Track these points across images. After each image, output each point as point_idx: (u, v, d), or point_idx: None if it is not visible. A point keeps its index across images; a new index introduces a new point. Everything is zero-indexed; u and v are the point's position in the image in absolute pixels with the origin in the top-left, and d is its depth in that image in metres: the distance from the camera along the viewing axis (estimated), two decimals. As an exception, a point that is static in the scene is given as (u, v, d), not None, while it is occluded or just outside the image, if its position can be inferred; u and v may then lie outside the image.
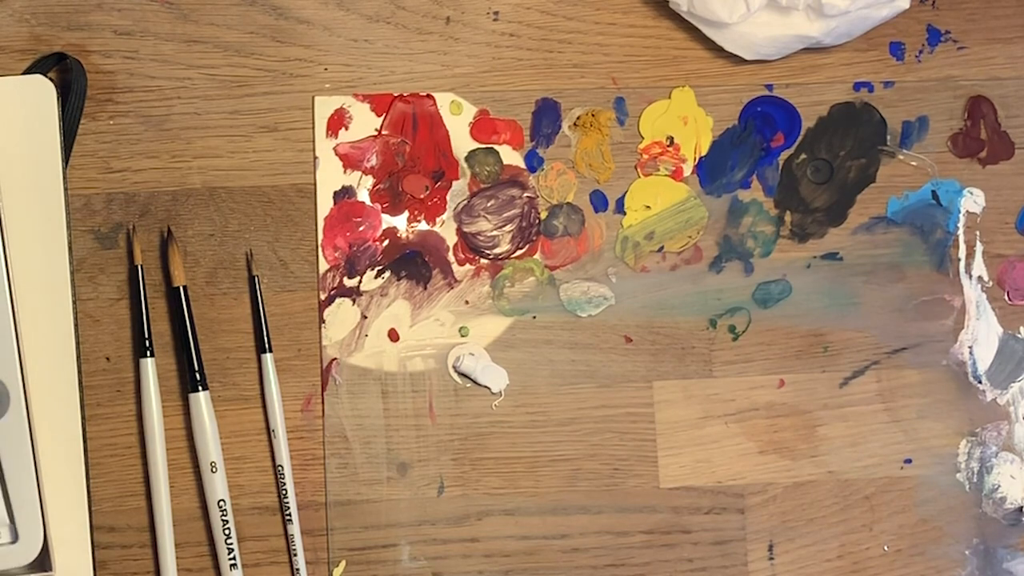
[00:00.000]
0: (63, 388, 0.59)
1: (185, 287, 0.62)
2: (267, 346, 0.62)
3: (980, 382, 0.65)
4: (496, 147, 0.64)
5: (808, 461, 0.64)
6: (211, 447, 0.61)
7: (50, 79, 0.60)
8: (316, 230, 0.63)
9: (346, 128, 0.64)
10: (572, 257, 0.64)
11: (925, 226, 0.65)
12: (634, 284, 0.64)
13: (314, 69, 0.64)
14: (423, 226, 0.64)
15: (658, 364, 0.64)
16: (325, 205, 0.63)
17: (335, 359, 0.63)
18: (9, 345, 0.57)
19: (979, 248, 0.66)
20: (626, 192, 0.65)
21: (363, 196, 0.64)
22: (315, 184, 0.63)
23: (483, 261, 0.64)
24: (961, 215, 0.65)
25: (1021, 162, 0.66)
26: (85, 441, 0.59)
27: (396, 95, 0.64)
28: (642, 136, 0.65)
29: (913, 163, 0.66)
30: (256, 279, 0.63)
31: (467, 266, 0.64)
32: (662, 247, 0.65)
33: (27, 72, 0.61)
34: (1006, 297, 0.66)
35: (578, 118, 0.65)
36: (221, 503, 0.61)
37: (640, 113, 0.65)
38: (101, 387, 0.62)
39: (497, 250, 0.64)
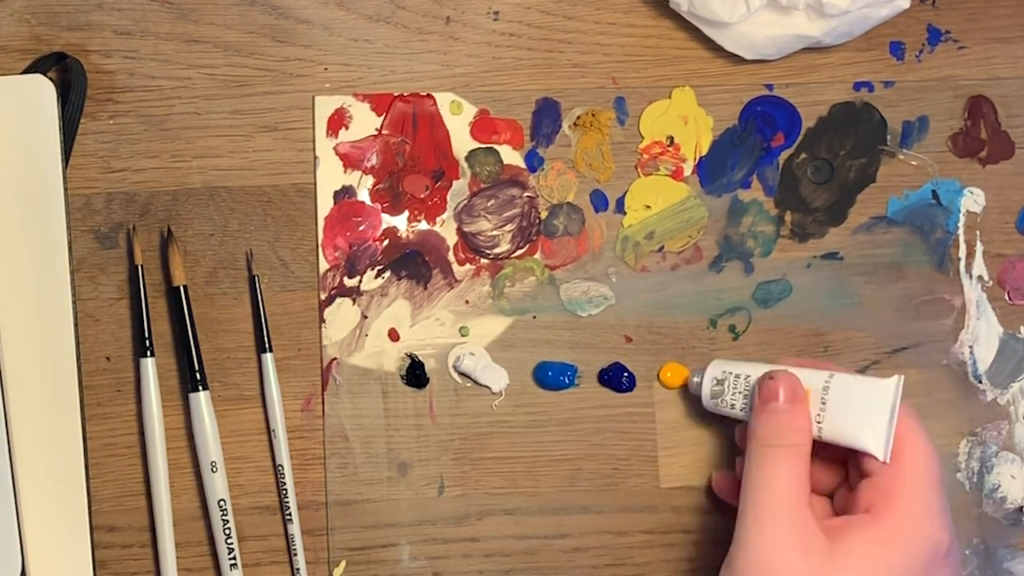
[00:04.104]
0: (63, 388, 0.59)
1: (185, 287, 0.62)
2: (267, 346, 0.62)
3: (980, 382, 0.65)
4: (496, 147, 0.64)
5: (808, 461, 0.64)
6: (211, 447, 0.61)
7: (50, 79, 0.60)
8: (316, 230, 0.63)
9: (346, 128, 0.64)
10: (572, 257, 0.64)
11: (925, 226, 0.65)
12: (634, 284, 0.64)
13: (314, 69, 0.64)
14: (423, 226, 0.64)
15: (658, 364, 0.64)
16: (325, 205, 0.63)
17: (335, 359, 0.63)
18: None
19: (979, 248, 0.66)
20: (626, 192, 0.65)
21: (363, 196, 0.64)
22: (315, 184, 0.63)
23: (483, 261, 0.64)
24: (961, 215, 0.65)
25: (1021, 162, 0.66)
26: (85, 441, 0.59)
27: (396, 95, 0.64)
28: (642, 136, 0.65)
29: (913, 163, 0.66)
30: (256, 279, 0.63)
31: (467, 266, 0.64)
32: (662, 247, 0.65)
33: (27, 72, 0.61)
34: (1006, 297, 0.66)
35: (578, 118, 0.65)
36: (221, 503, 0.61)
37: (640, 113, 0.65)
38: (101, 387, 0.62)
39: (497, 250, 0.64)
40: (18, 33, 0.63)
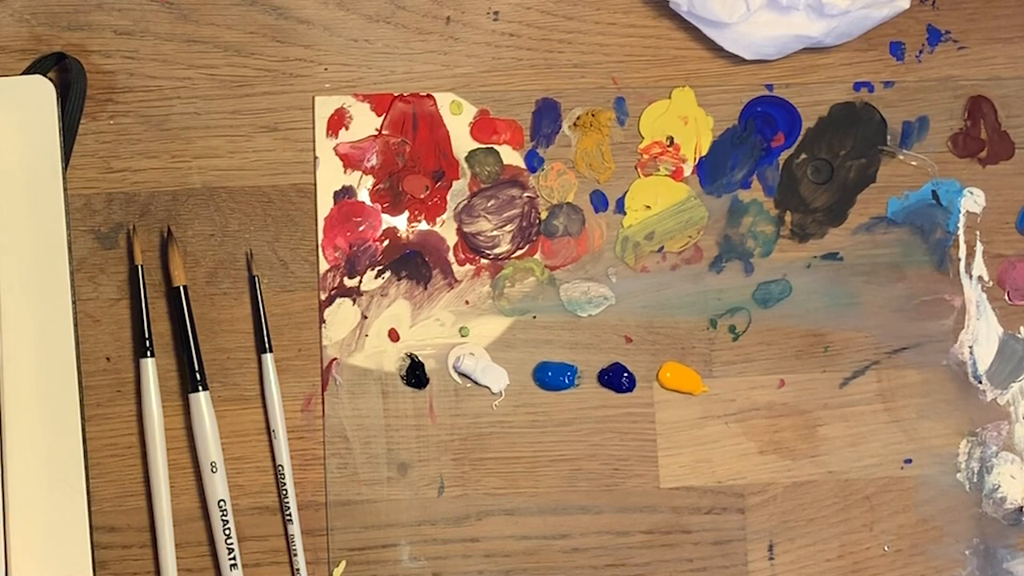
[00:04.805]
0: (63, 388, 0.59)
1: (185, 287, 0.62)
2: (267, 346, 0.62)
3: (980, 382, 0.65)
4: (496, 147, 0.64)
5: (808, 461, 0.64)
6: (211, 447, 0.61)
7: (50, 79, 0.60)
8: (316, 230, 0.63)
9: (346, 128, 0.64)
10: (572, 257, 0.64)
11: (925, 226, 0.65)
12: (634, 284, 0.64)
13: (314, 69, 0.64)
14: (423, 226, 0.64)
15: (658, 364, 0.64)
16: (325, 205, 0.63)
17: (335, 359, 0.63)
18: None
19: (979, 248, 0.66)
20: (626, 192, 0.65)
21: (363, 196, 0.64)
22: (315, 184, 0.63)
23: (483, 261, 0.64)
24: (961, 215, 0.65)
25: (1021, 162, 0.66)
26: (85, 441, 0.59)
27: (396, 95, 0.64)
28: (642, 136, 0.65)
29: (913, 163, 0.66)
30: (256, 279, 0.63)
31: (467, 266, 0.64)
32: (662, 247, 0.65)
33: (27, 72, 0.61)
34: (1006, 297, 0.66)
35: (578, 118, 0.65)
36: (221, 503, 0.61)
37: (640, 113, 0.65)
38: (101, 387, 0.62)
39: (497, 250, 0.64)
40: (18, 33, 0.63)
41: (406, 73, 0.64)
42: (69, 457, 0.59)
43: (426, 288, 0.64)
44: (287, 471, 0.62)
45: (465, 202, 0.64)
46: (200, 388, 0.61)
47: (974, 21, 0.66)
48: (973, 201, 0.66)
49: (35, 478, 0.58)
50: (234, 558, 0.61)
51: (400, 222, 0.64)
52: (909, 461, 0.65)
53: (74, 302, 0.59)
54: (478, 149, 0.64)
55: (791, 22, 0.63)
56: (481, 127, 0.64)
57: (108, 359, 0.62)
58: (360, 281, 0.63)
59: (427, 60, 0.64)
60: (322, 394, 0.63)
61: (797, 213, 0.65)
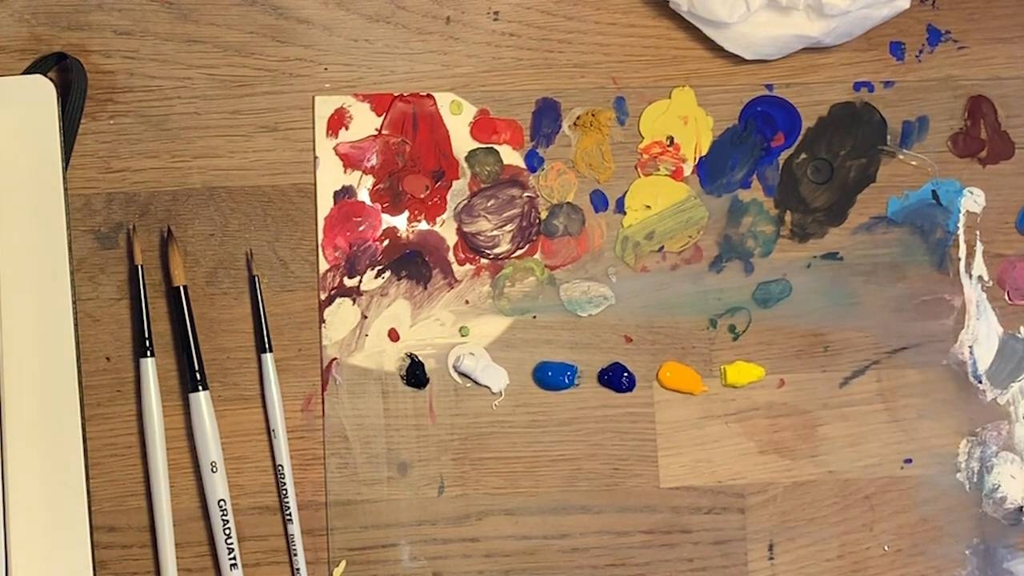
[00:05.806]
0: (63, 388, 0.59)
1: (185, 287, 0.62)
2: (267, 346, 0.62)
3: (980, 382, 0.65)
4: (496, 147, 0.64)
5: (808, 461, 0.64)
6: (211, 447, 0.61)
7: (50, 79, 0.60)
8: (316, 230, 0.63)
9: (346, 128, 0.64)
10: (572, 257, 0.64)
11: (925, 226, 0.65)
12: (634, 284, 0.64)
13: (314, 69, 0.64)
14: (423, 226, 0.64)
15: (658, 364, 0.64)
16: (325, 205, 0.63)
17: (335, 359, 0.63)
18: None
19: (979, 248, 0.66)
20: (626, 192, 0.65)
21: (363, 196, 0.64)
22: (315, 184, 0.63)
23: (483, 261, 0.64)
24: (961, 215, 0.65)
25: (1021, 162, 0.66)
26: (85, 441, 0.59)
27: (396, 95, 0.64)
28: (642, 136, 0.65)
29: (913, 163, 0.66)
30: (256, 279, 0.63)
31: (467, 266, 0.64)
32: (662, 247, 0.65)
33: (27, 72, 0.61)
34: (1006, 297, 0.66)
35: (578, 118, 0.65)
36: (221, 503, 0.61)
37: (640, 113, 0.65)
38: (101, 387, 0.62)
39: (497, 250, 0.64)
40: (18, 33, 0.63)
41: (406, 73, 0.64)
42: (69, 457, 0.59)
43: (426, 288, 0.64)
44: (287, 471, 0.62)
45: (465, 202, 0.64)
46: (200, 388, 0.61)
47: (974, 21, 0.66)
48: (973, 201, 0.66)
49: (35, 478, 0.58)
50: (234, 558, 0.61)
51: (400, 222, 0.64)
52: (909, 461, 0.65)
53: (74, 302, 0.59)
54: (478, 149, 0.64)
55: (791, 22, 0.63)
56: (481, 127, 0.64)
57: (108, 359, 0.62)
58: (360, 281, 0.63)
59: (427, 60, 0.64)
60: (322, 394, 0.63)
61: (797, 213, 0.65)
